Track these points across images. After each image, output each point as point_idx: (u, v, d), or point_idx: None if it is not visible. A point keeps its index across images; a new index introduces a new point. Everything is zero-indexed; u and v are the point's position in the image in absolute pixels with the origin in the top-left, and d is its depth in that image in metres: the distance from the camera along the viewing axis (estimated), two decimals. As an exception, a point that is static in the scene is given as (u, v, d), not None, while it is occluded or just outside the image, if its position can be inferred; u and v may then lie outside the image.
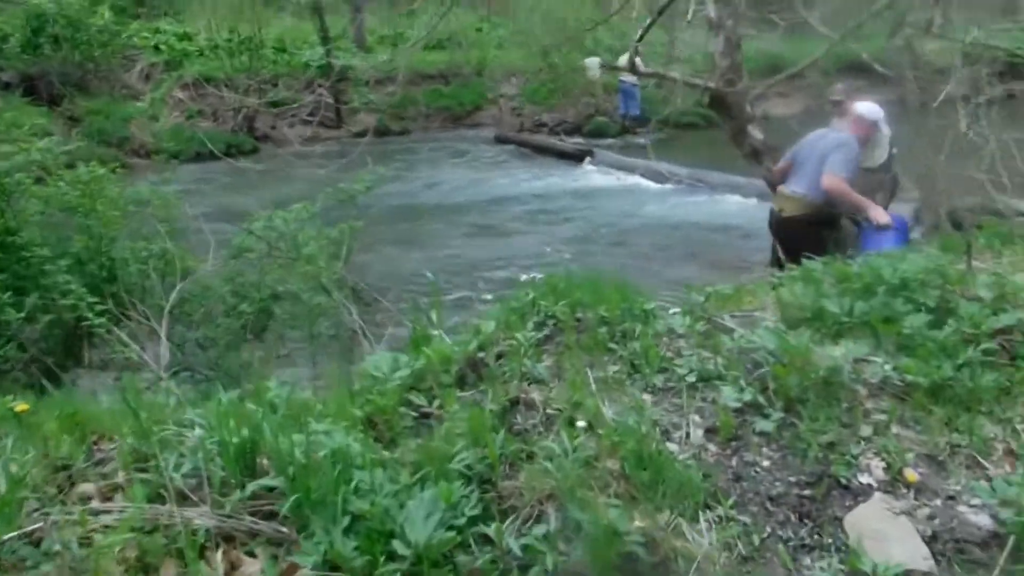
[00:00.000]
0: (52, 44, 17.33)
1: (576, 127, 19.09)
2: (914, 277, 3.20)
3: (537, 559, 1.98)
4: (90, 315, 4.20)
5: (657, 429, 2.44)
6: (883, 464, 2.43)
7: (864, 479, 2.38)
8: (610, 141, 18.21)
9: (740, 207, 12.51)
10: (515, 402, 2.53)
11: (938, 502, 2.33)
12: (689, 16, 5.16)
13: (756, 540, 2.15)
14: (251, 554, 2.01)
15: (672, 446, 2.41)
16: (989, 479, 2.50)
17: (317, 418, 2.56)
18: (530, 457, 2.29)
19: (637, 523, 2.06)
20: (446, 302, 7.85)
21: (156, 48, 20.36)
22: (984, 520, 2.25)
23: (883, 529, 2.21)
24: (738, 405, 2.54)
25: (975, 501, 2.32)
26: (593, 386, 2.61)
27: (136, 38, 20.21)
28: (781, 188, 5.98)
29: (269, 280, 4.66)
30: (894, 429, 2.58)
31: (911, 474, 2.39)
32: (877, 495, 2.32)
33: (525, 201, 13.34)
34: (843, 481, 2.36)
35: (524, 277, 3.15)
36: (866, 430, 2.53)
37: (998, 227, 4.62)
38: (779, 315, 3.33)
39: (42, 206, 4.85)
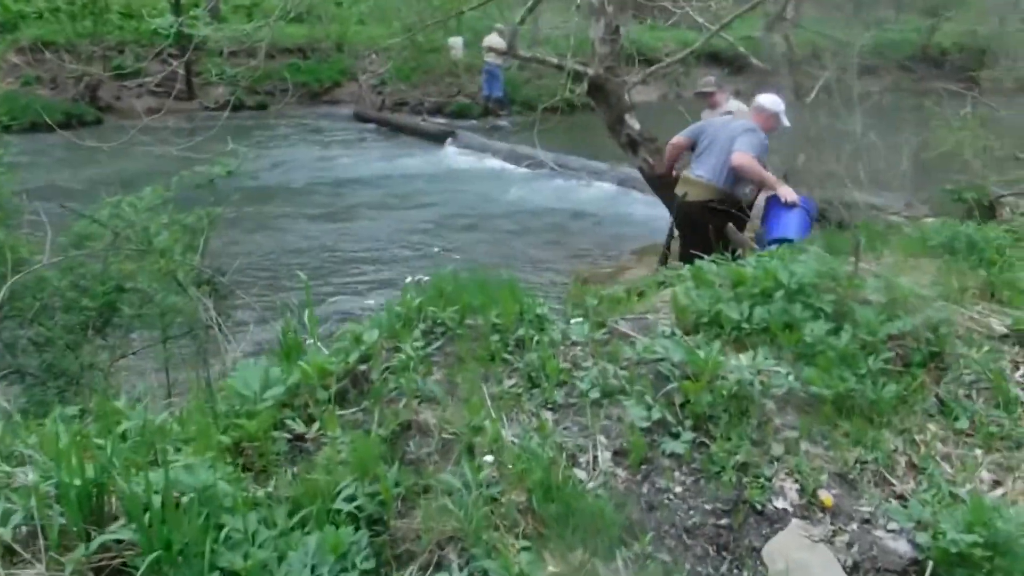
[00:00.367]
0: None
1: (438, 107, 18.72)
2: (810, 281, 3.12)
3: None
4: None
5: (563, 453, 2.22)
6: (797, 486, 2.31)
7: (779, 503, 2.25)
8: (473, 123, 17.95)
9: (602, 193, 12.54)
10: (406, 426, 2.25)
11: (854, 526, 2.22)
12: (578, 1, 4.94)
13: (676, 579, 1.98)
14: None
15: (580, 472, 2.20)
16: (898, 496, 2.43)
17: (175, 444, 2.22)
18: (426, 491, 2.03)
19: (550, 568, 1.84)
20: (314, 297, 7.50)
21: (-11, 9, 18.67)
22: (903, 546, 2.16)
23: (804, 559, 2.08)
24: (646, 424, 2.36)
25: (892, 525, 2.23)
26: (490, 404, 2.37)
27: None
28: (685, 173, 5.90)
29: (115, 272, 4.16)
30: (803, 446, 2.46)
31: (826, 497, 2.27)
32: (794, 521, 2.19)
33: (384, 183, 12.89)
34: (758, 507, 2.22)
35: (408, 279, 2.86)
36: (777, 449, 2.40)
37: (874, 225, 4.67)
38: (674, 319, 3.18)
39: None
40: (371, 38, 21.09)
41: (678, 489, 2.22)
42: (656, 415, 2.38)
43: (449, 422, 2.25)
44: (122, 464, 1.90)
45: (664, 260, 5.96)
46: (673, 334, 2.99)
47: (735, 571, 2.04)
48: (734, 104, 6.78)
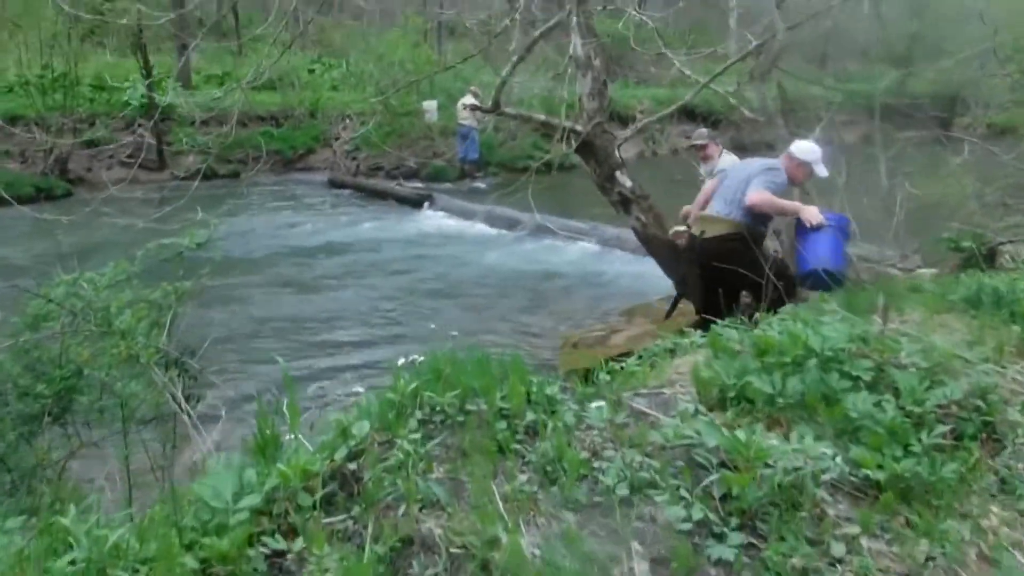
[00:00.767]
0: None
1: (414, 171, 18.52)
2: (842, 347, 2.82)
3: None
4: None
5: (594, 567, 1.88)
6: (867, 595, 1.98)
7: (850, 619, 1.91)
8: (449, 185, 17.76)
9: (585, 254, 12.31)
10: (407, 540, 1.90)
11: (939, 642, 1.89)
12: (570, 53, 4.71)
13: None
14: None
15: (616, 590, 1.86)
16: (976, 597, 2.11)
17: (132, 566, 1.87)
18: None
19: None
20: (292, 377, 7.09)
21: (-43, 84, 18.47)
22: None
23: None
24: (687, 526, 2.03)
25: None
26: (503, 507, 2.03)
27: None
28: (700, 213, 5.67)
29: (74, 354, 3.80)
30: (865, 542, 2.14)
31: (903, 608, 1.94)
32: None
33: (360, 250, 12.55)
34: (828, 625, 1.88)
35: (402, 360, 2.54)
36: (838, 548, 2.07)
37: (888, 281, 4.42)
38: (695, 393, 2.87)
39: None
40: (345, 103, 21.04)
41: (732, 604, 1.89)
42: (696, 514, 2.05)
43: (458, 533, 1.91)
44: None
45: (672, 309, 5.64)
46: (697, 412, 2.68)
47: None
48: (728, 159, 6.58)
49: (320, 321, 8.75)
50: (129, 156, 18.07)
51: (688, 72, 5.62)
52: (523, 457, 2.27)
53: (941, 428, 2.54)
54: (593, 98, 5.38)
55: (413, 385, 2.38)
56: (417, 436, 2.23)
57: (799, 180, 5.59)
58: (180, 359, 4.19)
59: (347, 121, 20.67)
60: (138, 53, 18.47)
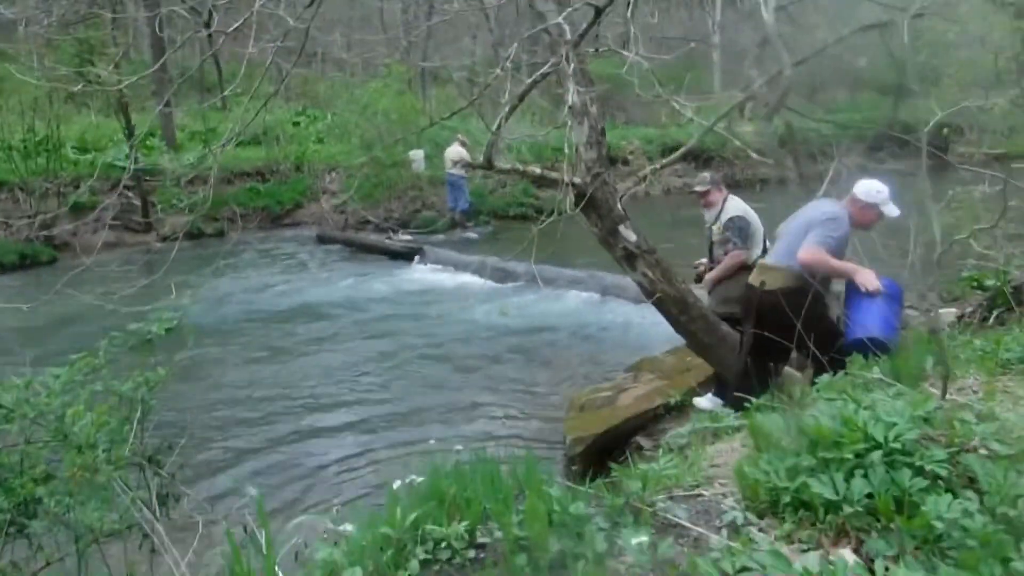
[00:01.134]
0: None
1: (403, 223, 18.17)
2: (910, 436, 2.42)
3: None
4: None
5: None
6: None
7: None
8: (440, 236, 17.41)
9: (583, 303, 11.93)
10: None
11: None
12: (569, 101, 4.36)
13: None
14: None
15: None
16: None
17: None
18: None
19: None
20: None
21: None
22: None
23: None
24: None
25: None
26: None
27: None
28: (762, 261, 5.31)
29: (36, 459, 3.37)
30: None
31: None
32: None
33: (351, 310, 12.09)
34: None
35: (397, 483, 2.13)
36: None
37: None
38: (740, 495, 2.47)
39: None
40: (330, 156, 20.78)
41: None
42: None
43: None
44: None
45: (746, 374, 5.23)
46: (747, 521, 2.28)
47: None
48: (734, 204, 6.22)
49: (306, 397, 8.24)
50: (115, 218, 17.80)
51: (690, 115, 5.28)
52: (550, 604, 1.87)
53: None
54: (591, 147, 5.03)
55: (413, 516, 1.97)
56: (419, 585, 1.83)
57: (867, 225, 5.14)
58: (154, 457, 3.76)
59: (333, 174, 20.40)
60: (119, 114, 18.19)
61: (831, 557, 2.07)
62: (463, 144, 17.21)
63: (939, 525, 2.10)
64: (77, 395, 3.34)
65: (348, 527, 2.04)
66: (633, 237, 5.21)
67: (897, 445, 2.36)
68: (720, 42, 28.34)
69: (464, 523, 1.97)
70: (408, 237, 16.86)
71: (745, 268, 6.11)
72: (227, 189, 18.79)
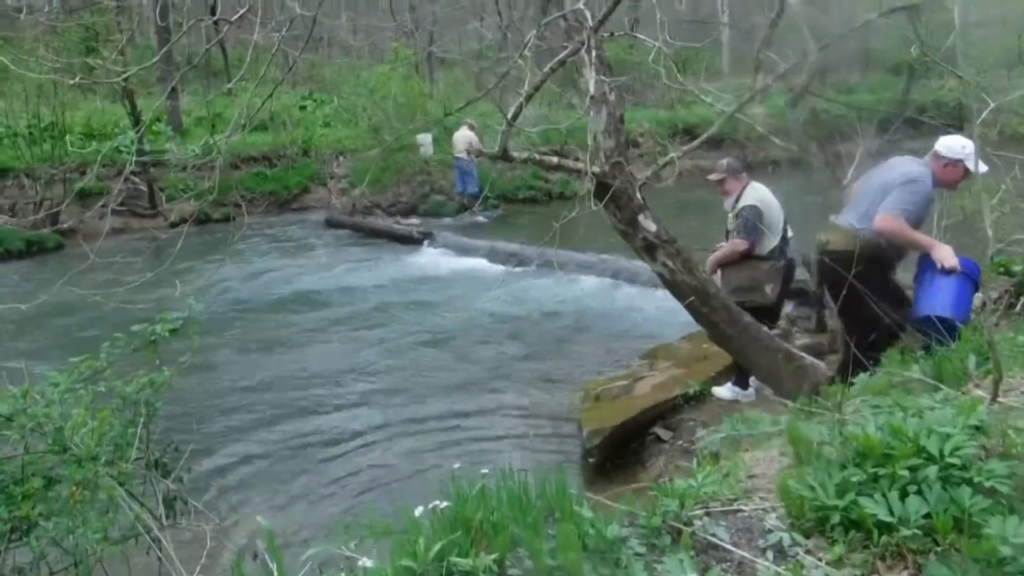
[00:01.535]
0: None
1: (412, 207, 18.00)
2: (967, 449, 2.26)
3: None
4: None
5: None
6: None
7: None
8: (449, 221, 17.23)
9: (594, 288, 11.76)
10: None
11: None
12: (588, 89, 4.19)
13: None
14: None
15: None
16: None
17: None
18: None
19: None
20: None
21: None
22: None
23: None
24: None
25: None
26: None
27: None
28: (833, 218, 5.11)
29: (37, 468, 3.24)
30: None
31: None
32: None
33: (360, 296, 11.93)
34: None
35: (419, 510, 1.98)
36: None
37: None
38: (784, 511, 2.31)
39: None
40: (337, 140, 20.58)
41: None
42: None
43: None
44: None
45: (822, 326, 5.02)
46: (794, 542, 2.13)
47: None
48: (754, 193, 6.06)
49: (316, 390, 8.06)
50: (122, 204, 17.67)
51: (710, 101, 5.10)
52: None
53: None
54: (609, 136, 4.85)
55: (437, 547, 1.82)
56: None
57: (951, 183, 4.92)
58: (160, 460, 3.63)
59: (341, 159, 20.21)
60: (125, 100, 18.04)
61: (889, 584, 1.93)
62: (472, 128, 16.99)
63: (1005, 550, 1.94)
64: (79, 399, 3.20)
65: (367, 561, 1.90)
66: (653, 227, 5.03)
67: (955, 460, 2.20)
68: (729, 20, 27.96)
69: (492, 555, 1.81)
70: (416, 221, 16.70)
71: (751, 257, 5.99)
72: (234, 174, 18.63)
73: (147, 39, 28.82)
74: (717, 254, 6.12)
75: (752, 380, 6.31)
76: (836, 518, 2.16)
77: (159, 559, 3.10)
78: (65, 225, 17.37)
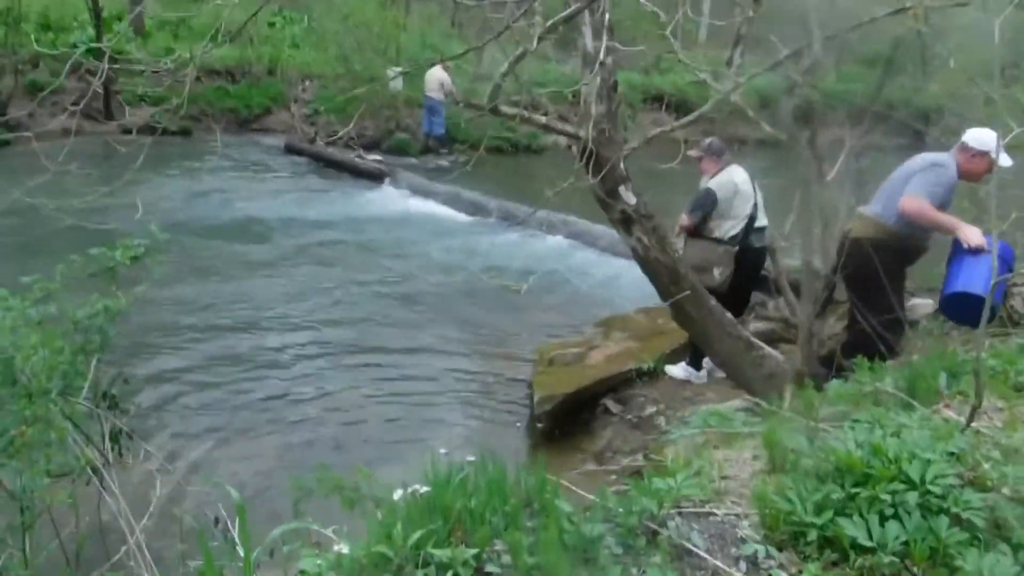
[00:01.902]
0: None
1: (374, 142, 17.58)
2: (948, 480, 2.24)
3: None
4: None
5: None
6: None
7: None
8: (411, 160, 16.94)
9: (554, 248, 11.69)
10: None
11: None
12: (586, 49, 4.05)
13: None
14: None
15: None
16: None
17: None
18: None
19: None
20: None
21: None
22: None
23: None
24: None
25: None
26: None
27: None
28: (859, 208, 5.09)
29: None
30: None
31: None
32: None
33: (316, 230, 11.62)
34: None
35: (399, 491, 1.90)
36: None
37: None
38: (758, 519, 2.28)
39: None
40: (305, 63, 19.98)
41: None
42: None
43: None
44: None
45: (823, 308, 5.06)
46: (768, 554, 2.10)
47: None
48: (726, 177, 6.07)
49: (253, 329, 7.80)
50: (74, 103, 16.97)
51: (700, 72, 5.00)
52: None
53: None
54: (601, 101, 4.73)
55: (415, 537, 1.74)
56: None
57: (976, 175, 4.89)
58: (108, 393, 3.47)
59: (307, 83, 19.69)
60: (86, -8, 17.29)
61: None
62: (446, 69, 16.63)
63: (978, 584, 1.93)
64: (29, 322, 3.02)
65: (343, 547, 1.81)
66: (633, 200, 4.95)
67: (934, 488, 2.18)
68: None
69: (471, 551, 1.74)
70: (378, 157, 16.35)
71: (711, 239, 6.01)
72: (195, 87, 18.01)
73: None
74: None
75: (706, 362, 6.34)
76: (813, 535, 2.13)
77: (106, 501, 2.97)
78: (12, 120, 16.73)
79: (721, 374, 6.11)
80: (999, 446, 2.63)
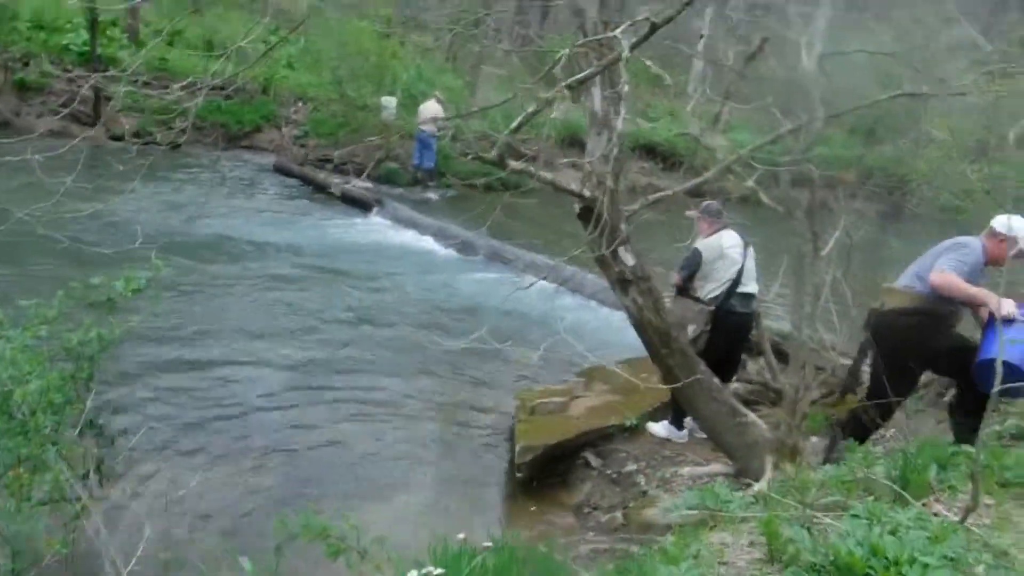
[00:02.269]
0: None
1: (363, 169, 17.59)
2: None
3: None
4: None
5: None
6: None
7: None
8: (400, 191, 16.96)
9: (539, 292, 11.65)
10: None
11: None
12: (594, 108, 4.10)
13: None
14: None
15: None
16: None
17: None
18: None
19: None
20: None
21: None
22: None
23: None
24: None
25: None
26: None
27: None
28: (887, 284, 5.22)
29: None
30: None
31: None
32: None
33: (298, 258, 11.55)
34: None
35: (414, 573, 1.90)
36: None
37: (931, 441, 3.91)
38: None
39: None
40: (299, 85, 19.98)
41: None
42: None
43: None
44: None
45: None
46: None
47: None
48: (714, 240, 6.17)
49: (226, 350, 7.71)
50: (63, 105, 16.85)
51: (714, 145, 5.09)
52: None
53: None
54: (606, 161, 4.79)
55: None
56: None
57: (1002, 260, 4.95)
58: (94, 421, 3.44)
59: (299, 104, 19.69)
60: (84, -6, 17.22)
61: None
62: (440, 102, 16.73)
63: None
64: (25, 351, 2.98)
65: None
66: (631, 261, 5.01)
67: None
68: (703, 51, 28.05)
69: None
70: (368, 185, 16.34)
71: (691, 297, 6.19)
72: (186, 100, 17.91)
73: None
74: None
75: (687, 421, 6.38)
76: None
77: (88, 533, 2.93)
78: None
79: (702, 435, 6.16)
80: (989, 547, 2.66)
